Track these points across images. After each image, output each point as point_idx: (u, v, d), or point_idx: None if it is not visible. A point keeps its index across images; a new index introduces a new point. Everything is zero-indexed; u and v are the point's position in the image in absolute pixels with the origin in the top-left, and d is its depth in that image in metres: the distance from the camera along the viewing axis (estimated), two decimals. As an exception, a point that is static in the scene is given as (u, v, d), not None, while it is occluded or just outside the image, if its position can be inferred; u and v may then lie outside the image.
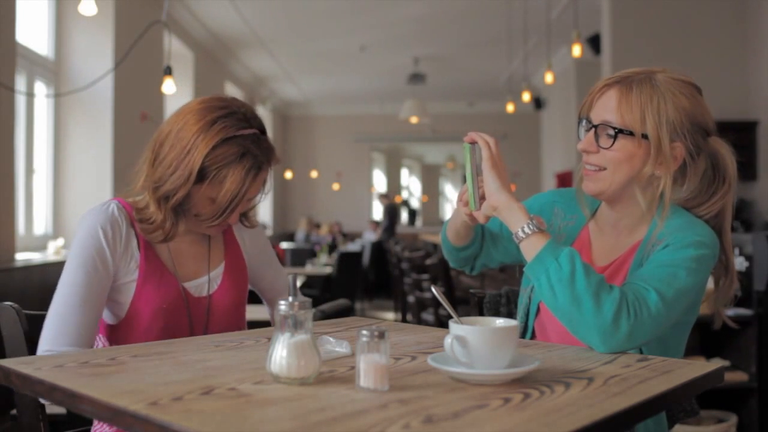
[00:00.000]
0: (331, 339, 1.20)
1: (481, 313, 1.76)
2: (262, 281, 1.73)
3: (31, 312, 1.46)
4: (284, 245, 8.82)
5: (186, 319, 1.50)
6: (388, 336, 0.95)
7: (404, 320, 6.33)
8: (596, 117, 1.38)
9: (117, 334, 1.50)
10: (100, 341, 1.52)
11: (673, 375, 1.04)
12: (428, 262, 4.55)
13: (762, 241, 3.09)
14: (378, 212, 13.78)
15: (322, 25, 7.99)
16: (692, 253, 1.27)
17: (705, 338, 3.38)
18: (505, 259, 1.63)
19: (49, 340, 1.37)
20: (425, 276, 4.82)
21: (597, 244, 1.48)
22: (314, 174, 12.98)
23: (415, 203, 15.33)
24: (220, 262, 1.60)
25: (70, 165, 5.01)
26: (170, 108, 6.05)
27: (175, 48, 6.48)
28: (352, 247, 9.40)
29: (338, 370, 1.05)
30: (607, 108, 1.36)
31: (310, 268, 7.16)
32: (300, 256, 7.71)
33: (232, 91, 9.28)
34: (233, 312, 1.59)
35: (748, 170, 6.50)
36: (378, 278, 10.50)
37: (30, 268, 3.81)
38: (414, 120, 9.11)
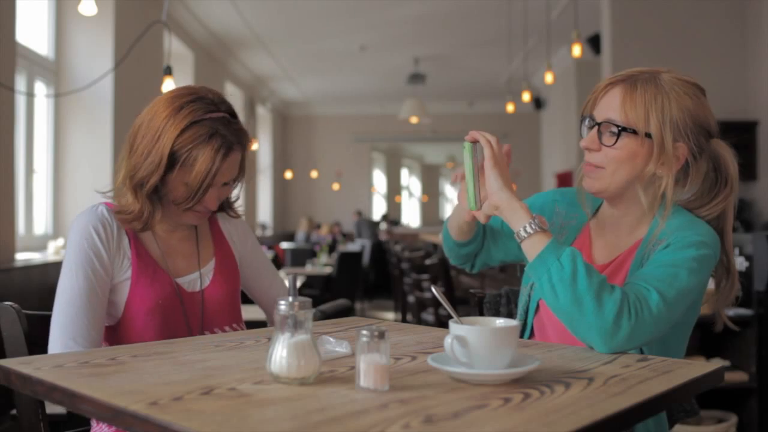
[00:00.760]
0: (331, 339, 1.20)
1: (481, 313, 1.76)
2: (255, 286, 1.73)
3: (31, 312, 1.46)
4: (284, 245, 8.82)
5: (182, 315, 1.51)
6: (388, 336, 0.95)
7: (404, 320, 6.33)
8: (600, 115, 1.38)
9: (115, 335, 1.50)
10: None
11: (673, 375, 1.04)
12: (428, 262, 4.55)
13: (762, 241, 3.09)
14: (378, 212, 13.80)
15: (322, 25, 8.00)
16: (694, 253, 1.27)
17: (705, 338, 3.38)
18: (505, 257, 1.63)
19: (59, 345, 1.37)
20: (425, 276, 4.82)
21: (598, 242, 1.48)
22: (314, 174, 12.98)
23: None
24: (210, 257, 1.61)
25: (70, 165, 5.01)
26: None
27: (175, 48, 6.48)
28: (352, 247, 9.39)
29: (338, 370, 1.05)
30: (611, 106, 1.36)
31: (310, 268, 7.16)
32: (300, 256, 7.71)
33: (232, 91, 9.28)
34: (228, 306, 1.60)
35: (748, 170, 6.50)
36: (378, 278, 10.50)
37: (30, 268, 3.81)
38: (414, 120, 9.12)
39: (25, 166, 4.50)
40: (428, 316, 4.90)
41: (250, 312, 1.62)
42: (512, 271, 4.25)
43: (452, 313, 1.10)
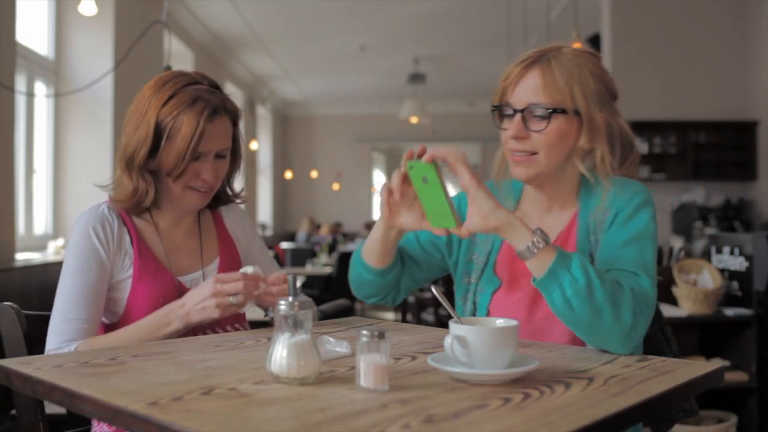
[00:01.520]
0: (331, 339, 1.20)
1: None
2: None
3: (31, 312, 1.46)
4: (284, 245, 8.82)
5: None
6: (388, 336, 0.95)
7: (404, 320, 6.33)
8: (519, 101, 1.33)
9: None
10: None
11: (673, 375, 1.04)
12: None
13: (762, 241, 3.09)
14: (378, 214, 13.74)
15: (322, 25, 8.00)
16: (646, 218, 1.31)
17: (705, 338, 3.38)
18: (430, 275, 1.57)
19: (54, 338, 1.38)
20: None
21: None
22: (314, 174, 12.98)
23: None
24: (214, 257, 1.61)
25: (70, 165, 5.01)
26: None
27: (175, 48, 6.48)
28: (352, 247, 9.39)
29: (338, 370, 1.05)
30: (532, 90, 1.32)
31: (310, 268, 7.15)
32: (300, 256, 7.70)
33: (232, 91, 9.27)
34: None
35: (748, 170, 6.50)
36: (378, 278, 10.46)
37: (30, 268, 3.81)
38: (414, 120, 9.11)
39: (25, 166, 4.50)
40: (428, 316, 4.90)
41: (252, 311, 1.61)
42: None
43: (452, 313, 1.10)
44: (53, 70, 4.89)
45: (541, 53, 1.34)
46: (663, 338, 1.53)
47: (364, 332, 0.95)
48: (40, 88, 4.75)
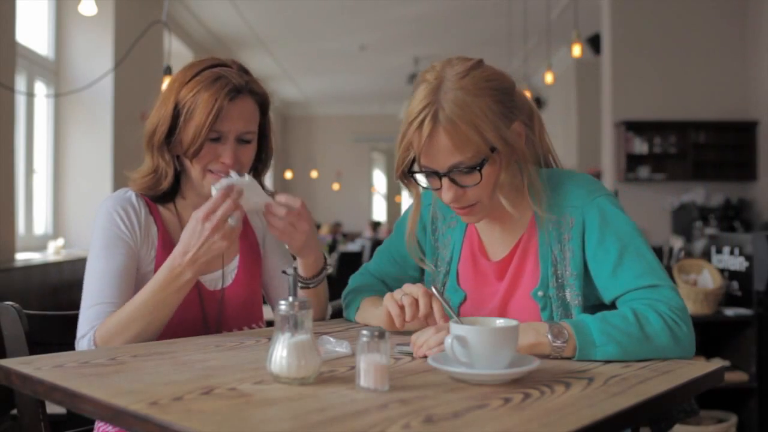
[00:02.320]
0: (331, 339, 1.20)
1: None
2: (273, 280, 1.69)
3: (32, 312, 1.46)
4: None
5: (200, 312, 1.48)
6: (388, 336, 0.95)
7: (404, 320, 6.31)
8: (438, 164, 1.25)
9: None
10: None
11: (673, 375, 1.05)
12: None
13: (762, 241, 3.09)
14: (378, 213, 13.78)
15: (322, 25, 8.00)
16: (615, 212, 1.30)
17: (705, 338, 3.38)
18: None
19: (83, 325, 1.35)
20: (425, 276, 4.81)
21: (487, 238, 1.44)
22: (314, 174, 12.98)
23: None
24: (235, 253, 1.57)
25: (70, 165, 5.01)
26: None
27: (175, 48, 6.48)
28: (352, 247, 9.39)
29: (338, 370, 1.05)
30: (446, 152, 1.24)
31: (310, 268, 7.14)
32: (300, 256, 7.69)
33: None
34: (248, 306, 1.56)
35: (748, 170, 6.50)
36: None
37: (30, 268, 3.80)
38: (414, 120, 9.10)
39: (25, 166, 4.50)
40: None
41: (267, 312, 1.59)
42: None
43: (452, 314, 1.10)
44: (53, 70, 4.90)
45: (429, 105, 1.23)
46: None
47: (364, 332, 0.95)
48: (40, 88, 4.75)
